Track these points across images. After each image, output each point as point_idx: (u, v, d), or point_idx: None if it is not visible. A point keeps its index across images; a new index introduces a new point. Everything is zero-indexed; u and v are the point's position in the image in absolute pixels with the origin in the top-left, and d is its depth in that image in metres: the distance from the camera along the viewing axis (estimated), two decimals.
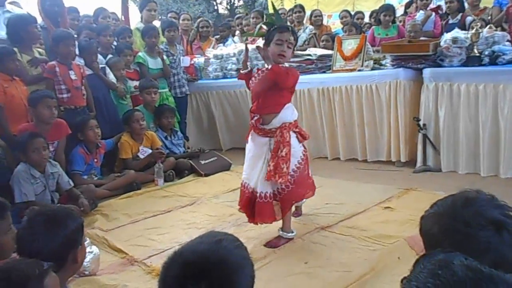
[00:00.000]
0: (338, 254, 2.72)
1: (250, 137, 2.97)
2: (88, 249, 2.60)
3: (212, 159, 5.02)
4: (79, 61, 4.62)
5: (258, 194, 2.84)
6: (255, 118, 2.90)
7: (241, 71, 3.05)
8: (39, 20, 4.68)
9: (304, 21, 7.11)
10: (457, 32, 4.27)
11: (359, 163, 4.76)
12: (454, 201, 1.21)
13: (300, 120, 5.12)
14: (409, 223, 2.96)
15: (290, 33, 2.74)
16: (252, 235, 3.06)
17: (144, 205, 3.96)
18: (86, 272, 2.61)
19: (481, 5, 6.02)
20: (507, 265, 1.08)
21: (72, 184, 3.87)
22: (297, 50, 5.80)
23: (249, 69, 3.00)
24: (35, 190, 3.59)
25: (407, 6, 7.41)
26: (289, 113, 2.86)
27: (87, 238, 2.78)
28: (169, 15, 7.38)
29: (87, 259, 2.56)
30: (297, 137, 2.88)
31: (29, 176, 3.56)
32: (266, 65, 2.81)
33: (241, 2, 19.67)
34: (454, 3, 5.56)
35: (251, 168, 2.92)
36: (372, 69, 4.71)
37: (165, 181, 4.55)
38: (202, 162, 4.95)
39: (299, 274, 2.55)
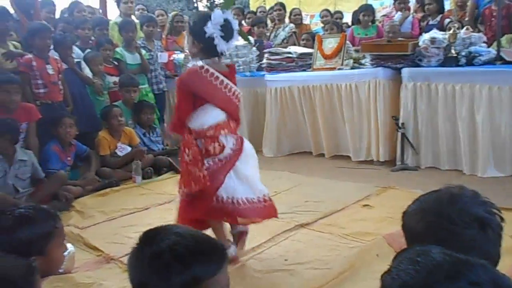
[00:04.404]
0: (317, 252, 2.72)
1: None
2: None
3: None
4: (54, 55, 4.49)
5: None
6: None
7: None
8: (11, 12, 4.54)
9: (286, 19, 7.11)
10: (435, 33, 4.32)
11: (338, 161, 4.78)
12: (439, 198, 1.20)
13: (282, 117, 5.14)
14: (387, 221, 2.98)
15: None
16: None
17: (121, 202, 3.88)
18: (60, 270, 2.54)
19: None
20: (491, 262, 1.09)
21: (43, 175, 3.79)
22: (277, 47, 5.78)
23: None
24: None
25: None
26: None
27: None
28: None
29: None
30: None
31: None
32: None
33: (222, 0, 19.60)
34: (433, 5, 5.62)
35: None
36: (352, 68, 4.74)
37: (143, 178, 4.47)
38: None
39: (279, 271, 2.54)
